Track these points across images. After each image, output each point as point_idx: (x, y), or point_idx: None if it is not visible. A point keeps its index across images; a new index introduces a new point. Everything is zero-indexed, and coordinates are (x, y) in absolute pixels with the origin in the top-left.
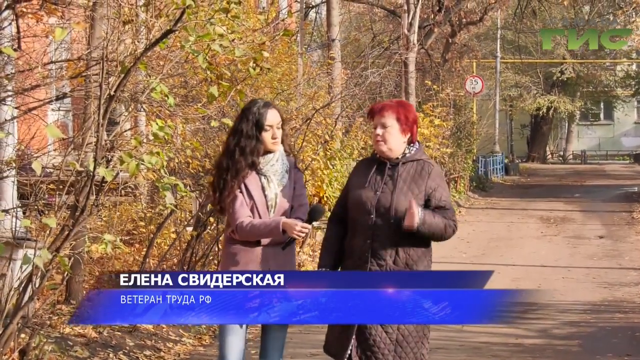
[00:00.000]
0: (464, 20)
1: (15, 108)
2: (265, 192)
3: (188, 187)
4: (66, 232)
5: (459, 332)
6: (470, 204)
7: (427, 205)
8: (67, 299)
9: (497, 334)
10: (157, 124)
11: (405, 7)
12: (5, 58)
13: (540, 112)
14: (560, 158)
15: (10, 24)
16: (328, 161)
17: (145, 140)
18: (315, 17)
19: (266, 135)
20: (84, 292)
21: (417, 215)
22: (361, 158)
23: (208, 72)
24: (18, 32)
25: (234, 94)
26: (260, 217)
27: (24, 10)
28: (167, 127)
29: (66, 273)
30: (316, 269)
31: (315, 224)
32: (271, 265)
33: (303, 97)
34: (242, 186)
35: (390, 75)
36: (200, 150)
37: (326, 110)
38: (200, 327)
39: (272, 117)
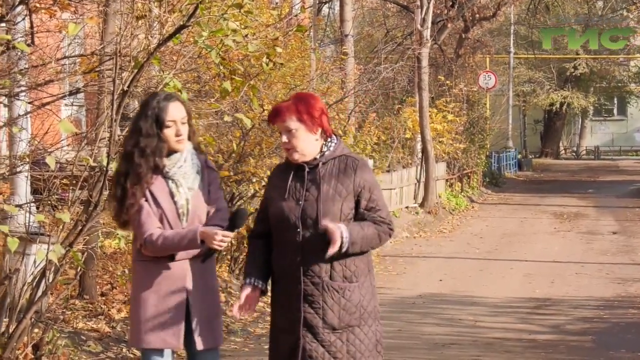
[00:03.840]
0: (477, 15)
1: (29, 103)
2: (174, 199)
3: None
4: (79, 227)
5: (472, 327)
6: (483, 200)
7: (357, 205)
8: (81, 293)
9: (510, 329)
10: None
11: (418, 3)
12: (19, 53)
13: (554, 108)
14: (574, 154)
15: (23, 19)
16: None
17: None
18: (329, 12)
19: (169, 133)
20: (97, 287)
21: (339, 240)
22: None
23: (221, 68)
24: (31, 27)
25: (247, 89)
26: (171, 227)
27: (38, 5)
28: None
29: (79, 268)
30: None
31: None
32: (188, 283)
33: (316, 92)
34: (147, 193)
35: (403, 70)
36: (213, 146)
37: (339, 105)
38: None
39: (174, 111)
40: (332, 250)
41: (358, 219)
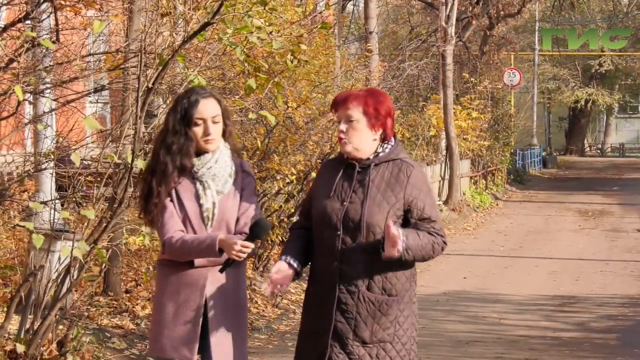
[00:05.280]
0: (502, 12)
1: (54, 100)
2: (200, 201)
3: None
4: (104, 224)
5: (496, 325)
6: (508, 197)
7: (406, 216)
8: (105, 290)
9: (535, 327)
10: None
11: (443, 0)
12: (44, 50)
13: (579, 105)
14: (599, 151)
15: (48, 16)
16: None
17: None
18: (353, 9)
19: (197, 131)
20: (122, 284)
21: (400, 242)
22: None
23: (246, 65)
24: (56, 24)
25: (271, 86)
26: (194, 232)
27: (63, 3)
28: None
29: (104, 265)
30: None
31: None
32: (208, 292)
33: (340, 89)
34: (173, 193)
35: (427, 67)
36: (237, 143)
37: None
38: None
39: (205, 109)
40: (389, 253)
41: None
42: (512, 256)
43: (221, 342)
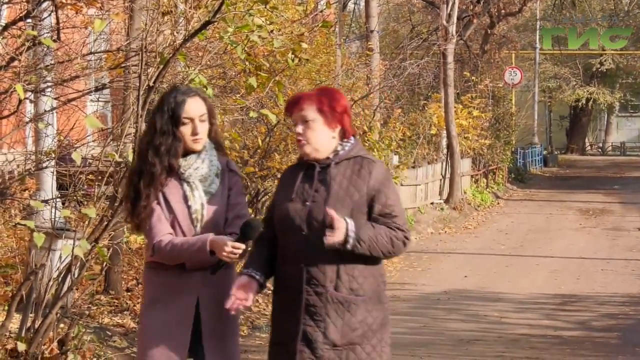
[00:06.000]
0: (503, 11)
1: (55, 99)
2: (188, 203)
3: None
4: (105, 223)
5: (497, 324)
6: (509, 196)
7: (370, 211)
8: (106, 289)
9: (536, 326)
10: None
11: None
12: (45, 49)
13: (580, 104)
14: (599, 150)
15: (49, 15)
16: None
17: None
18: (354, 8)
19: (185, 131)
20: (123, 282)
21: (342, 230)
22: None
23: (247, 63)
24: (57, 23)
25: (273, 85)
26: (183, 234)
27: (64, 1)
28: None
29: (105, 263)
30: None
31: None
32: (200, 294)
33: (341, 88)
34: (160, 196)
35: (428, 66)
36: (238, 142)
37: (364, 101)
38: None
39: (192, 108)
40: (331, 239)
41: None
42: (513, 255)
43: (215, 346)
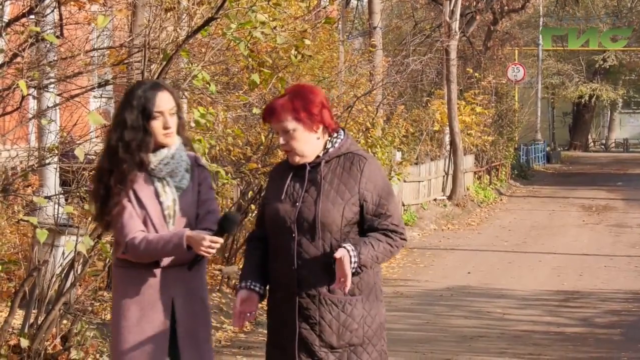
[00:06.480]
0: (506, 7)
1: (58, 95)
2: (160, 199)
3: (229, 175)
4: None
5: (500, 320)
6: (512, 192)
7: (361, 211)
8: (109, 285)
9: (539, 322)
10: (198, 111)
11: None
12: (48, 45)
13: (583, 100)
14: (603, 146)
15: (52, 11)
16: (369, 149)
17: (187, 128)
18: (357, 4)
19: (156, 125)
20: None
21: (349, 276)
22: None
23: (249, 60)
24: (60, 19)
25: (275, 81)
26: (156, 231)
27: None
28: (209, 114)
29: (108, 259)
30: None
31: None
32: (175, 292)
33: (344, 84)
34: (130, 193)
35: (431, 63)
36: (241, 138)
37: (367, 97)
38: None
39: (162, 102)
40: (346, 289)
41: (366, 227)
42: (516, 251)
43: (190, 344)
